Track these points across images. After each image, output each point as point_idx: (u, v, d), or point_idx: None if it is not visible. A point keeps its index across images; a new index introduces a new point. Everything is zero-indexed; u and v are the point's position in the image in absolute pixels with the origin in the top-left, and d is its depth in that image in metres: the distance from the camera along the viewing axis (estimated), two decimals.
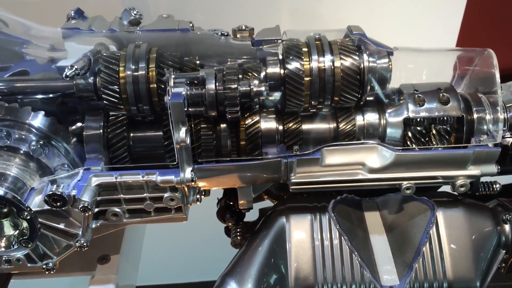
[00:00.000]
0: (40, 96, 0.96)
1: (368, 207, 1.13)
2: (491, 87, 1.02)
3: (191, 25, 1.01)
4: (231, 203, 1.17)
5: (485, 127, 0.99)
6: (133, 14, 1.04)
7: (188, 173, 0.93)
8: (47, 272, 0.98)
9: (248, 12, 1.82)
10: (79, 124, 1.00)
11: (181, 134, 0.88)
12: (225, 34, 1.01)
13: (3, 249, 0.90)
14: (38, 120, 0.94)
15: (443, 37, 1.84)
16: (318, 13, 1.85)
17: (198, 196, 1.01)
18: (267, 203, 1.21)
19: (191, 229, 1.15)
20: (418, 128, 1.02)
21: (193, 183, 0.94)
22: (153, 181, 0.94)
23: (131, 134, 1.00)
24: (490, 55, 1.00)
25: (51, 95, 0.96)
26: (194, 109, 0.91)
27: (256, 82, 0.91)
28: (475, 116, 1.00)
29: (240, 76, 0.93)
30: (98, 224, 0.99)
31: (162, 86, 0.94)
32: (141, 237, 1.41)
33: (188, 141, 0.89)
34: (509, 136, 1.01)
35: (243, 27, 1.05)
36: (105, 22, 1.03)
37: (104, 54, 0.95)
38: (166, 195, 0.96)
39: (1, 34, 1.05)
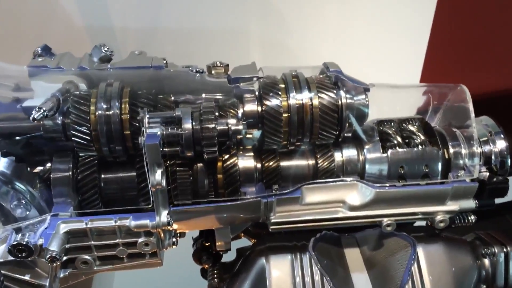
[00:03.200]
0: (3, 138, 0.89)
1: (347, 243, 1.11)
2: (464, 121, 1.03)
3: (164, 62, 0.98)
4: (208, 244, 1.12)
5: (461, 161, 1.00)
6: (103, 51, 1.00)
7: (164, 216, 0.89)
8: None
9: (219, 44, 1.81)
10: (47, 166, 0.94)
11: (157, 176, 0.84)
12: (200, 71, 0.98)
13: None
14: (1, 164, 0.89)
15: (407, 63, 1.89)
16: (287, 45, 1.87)
17: (174, 239, 0.96)
18: (244, 241, 1.17)
19: (164, 271, 1.09)
20: None
21: (169, 227, 0.89)
22: (126, 226, 0.89)
23: (102, 176, 0.95)
24: (463, 90, 1.02)
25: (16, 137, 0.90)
26: (169, 149, 0.88)
27: (233, 120, 0.89)
28: (451, 150, 1.00)
29: (217, 114, 0.91)
30: (67, 273, 0.93)
31: (136, 124, 0.90)
32: (111, 281, 1.34)
33: (164, 183, 0.85)
34: (484, 170, 1.02)
35: (218, 63, 1.03)
36: (74, 59, 0.99)
37: (74, 93, 0.91)
38: (140, 240, 0.91)
39: None
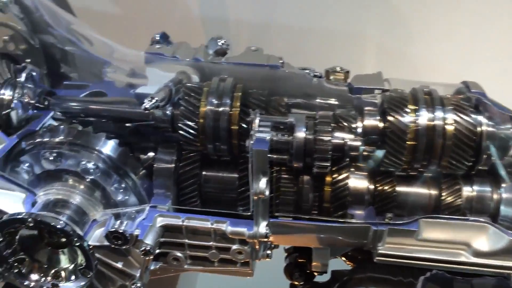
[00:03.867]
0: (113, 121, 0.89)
1: None
2: None
3: (281, 61, 0.91)
4: (302, 260, 1.04)
5: None
6: (219, 44, 0.96)
7: (262, 227, 0.82)
8: None
9: (331, 46, 1.71)
10: (150, 155, 0.92)
11: (261, 185, 0.77)
12: (319, 75, 0.90)
13: (61, 282, 0.83)
14: (108, 147, 0.88)
15: None
16: (407, 54, 1.70)
17: (268, 251, 0.89)
18: (338, 262, 1.07)
19: (249, 278, 1.03)
20: None
21: (266, 239, 0.82)
22: (222, 230, 0.83)
23: (203, 173, 0.91)
24: None
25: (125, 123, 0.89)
26: (277, 157, 0.81)
27: (351, 135, 0.79)
28: None
29: (333, 124, 0.82)
30: (158, 266, 0.90)
31: (245, 126, 0.84)
32: (194, 281, 1.31)
33: (267, 193, 0.78)
34: None
35: (338, 69, 0.94)
36: (189, 50, 0.96)
37: (186, 84, 0.87)
38: (234, 247, 0.86)
39: (84, 52, 1.01)
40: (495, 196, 0.86)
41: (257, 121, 0.79)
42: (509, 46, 1.55)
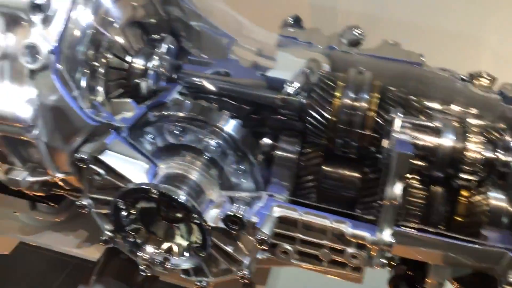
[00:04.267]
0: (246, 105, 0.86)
1: None
2: None
3: (422, 59, 0.83)
4: (411, 274, 0.97)
5: None
6: (355, 33, 0.90)
7: (387, 235, 0.76)
8: None
9: (442, 47, 1.58)
10: (269, 142, 0.89)
11: (396, 190, 0.71)
12: (465, 78, 0.81)
13: (174, 256, 0.82)
14: (231, 127, 0.86)
15: None
16: None
17: (384, 261, 0.83)
18: None
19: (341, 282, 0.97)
20: None
21: (388, 248, 0.76)
22: (341, 231, 0.79)
23: (325, 168, 0.86)
24: None
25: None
26: (416, 162, 0.74)
27: (503, 151, 0.70)
28: None
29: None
30: (264, 256, 0.87)
31: (381, 123, 0.78)
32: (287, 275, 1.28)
33: (400, 200, 0.72)
34: None
35: (484, 74, 0.84)
36: (323, 37, 0.91)
37: (321, 73, 0.82)
38: (350, 250, 0.81)
39: (211, 28, 0.99)
40: None
41: (398, 121, 0.72)
42: None
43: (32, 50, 0.72)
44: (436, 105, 0.84)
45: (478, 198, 0.77)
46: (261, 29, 0.99)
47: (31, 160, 0.84)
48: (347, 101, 0.79)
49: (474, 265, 0.80)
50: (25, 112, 0.74)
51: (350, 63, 0.88)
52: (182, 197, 0.76)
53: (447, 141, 0.72)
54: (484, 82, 0.87)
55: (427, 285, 0.88)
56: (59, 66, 0.73)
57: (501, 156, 0.71)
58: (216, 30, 1.02)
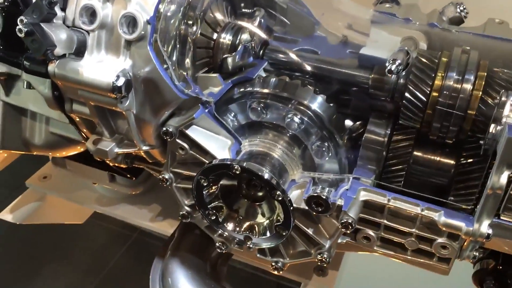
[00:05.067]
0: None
1: None
2: None
3: None
4: (501, 268, 0.91)
5: None
6: (458, 10, 0.84)
7: (484, 226, 0.71)
8: (275, 271, 0.88)
9: None
10: (358, 122, 0.85)
11: (502, 179, 0.66)
12: None
13: (255, 236, 0.81)
14: (317, 103, 0.83)
15: None
16: None
17: (476, 253, 0.79)
18: None
19: (415, 272, 0.92)
20: None
21: (486, 240, 0.71)
22: (432, 219, 0.74)
23: (416, 153, 0.82)
24: None
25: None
26: None
27: None
28: None
29: None
30: (345, 241, 0.84)
31: (484, 108, 0.73)
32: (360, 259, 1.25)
33: (504, 188, 0.67)
34: None
35: None
36: (421, 13, 0.85)
37: (420, 53, 0.78)
38: (440, 240, 0.76)
39: (297, 2, 0.95)
40: None
41: (510, 105, 0.67)
42: None
43: (131, 20, 0.72)
44: None
45: None
46: (353, 3, 0.94)
47: (119, 131, 0.85)
48: (450, 82, 0.74)
49: None
50: (119, 82, 0.74)
51: (450, 42, 0.82)
52: (265, 174, 0.75)
53: None
54: None
55: None
56: (155, 37, 0.73)
57: None
58: (302, 6, 0.98)
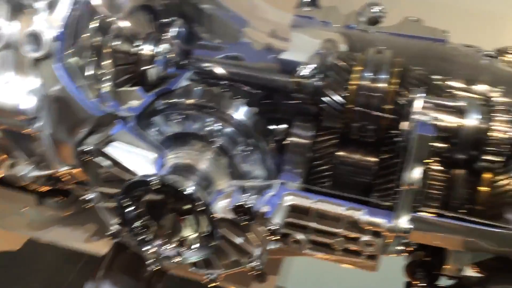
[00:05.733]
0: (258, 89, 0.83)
1: None
2: None
3: (447, 36, 0.79)
4: (428, 259, 0.94)
5: None
6: (374, 11, 0.86)
7: (404, 221, 0.73)
8: (210, 284, 0.87)
9: (468, 25, 1.52)
10: (282, 127, 0.86)
11: (415, 174, 0.68)
12: (493, 54, 0.77)
13: (185, 250, 0.80)
14: (242, 113, 0.82)
15: None
16: None
17: (400, 247, 0.80)
18: None
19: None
20: None
21: (406, 235, 0.73)
22: (355, 218, 0.76)
23: (339, 153, 0.83)
24: None
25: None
26: (437, 144, 0.70)
27: None
28: None
29: None
30: (276, 246, 0.84)
31: (401, 105, 0.75)
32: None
33: (419, 184, 0.69)
34: None
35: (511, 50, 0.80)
36: (340, 15, 0.87)
37: (338, 54, 0.79)
38: (364, 238, 0.78)
39: (223, 9, 0.95)
40: None
41: (419, 102, 0.69)
42: None
43: (35, 38, 0.69)
44: (460, 84, 0.79)
45: (501, 178, 0.73)
46: (276, 10, 0.94)
47: (35, 154, 0.81)
48: (365, 82, 0.75)
49: (496, 250, 0.77)
50: (28, 103, 0.71)
51: (369, 42, 0.84)
52: (188, 188, 0.74)
53: (471, 121, 0.68)
54: None
55: (446, 271, 0.85)
56: (64, 54, 0.70)
57: None
58: (227, 12, 0.98)
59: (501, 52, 0.80)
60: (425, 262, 0.95)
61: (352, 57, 0.78)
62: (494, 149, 0.67)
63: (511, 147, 0.68)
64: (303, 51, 0.79)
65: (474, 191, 0.75)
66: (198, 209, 0.74)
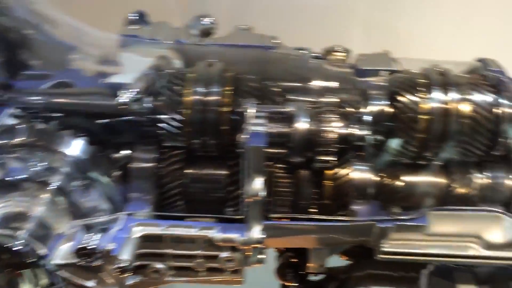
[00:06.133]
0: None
1: (462, 279, 0.90)
2: None
3: (274, 41, 0.80)
4: (296, 260, 0.95)
5: None
6: (204, 22, 0.84)
7: (256, 232, 0.72)
8: None
9: (315, 21, 1.60)
10: (124, 153, 0.80)
11: (256, 185, 0.67)
12: (319, 56, 0.79)
13: None
14: (75, 148, 0.75)
15: None
16: (396, 27, 1.61)
17: (262, 256, 0.80)
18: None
19: None
20: None
21: (260, 245, 0.73)
22: (209, 237, 0.73)
23: (188, 171, 0.80)
24: None
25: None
26: (274, 151, 0.70)
27: (357, 125, 0.70)
28: None
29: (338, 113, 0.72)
30: (136, 280, 0.79)
31: (237, 117, 0.74)
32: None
33: (262, 194, 0.68)
34: None
35: (338, 48, 0.84)
36: (170, 30, 0.84)
37: (168, 71, 0.76)
38: (223, 254, 0.76)
39: (47, 35, 0.87)
40: (509, 183, 0.79)
41: (251, 111, 0.68)
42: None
43: None
44: (291, 87, 0.81)
45: (342, 174, 0.76)
46: (103, 33, 0.88)
47: None
48: (198, 97, 0.73)
49: (350, 241, 0.80)
50: None
51: (203, 54, 0.82)
52: (15, 242, 0.66)
53: (301, 124, 0.69)
54: (340, 56, 0.86)
55: (309, 269, 0.86)
56: None
57: (356, 130, 0.70)
58: (53, 39, 0.90)
59: (328, 52, 0.83)
60: (293, 263, 0.96)
61: (183, 72, 0.75)
62: (325, 149, 0.69)
63: (342, 143, 0.70)
64: (134, 71, 0.75)
65: (320, 188, 0.77)
66: (31, 262, 0.66)
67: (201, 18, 0.85)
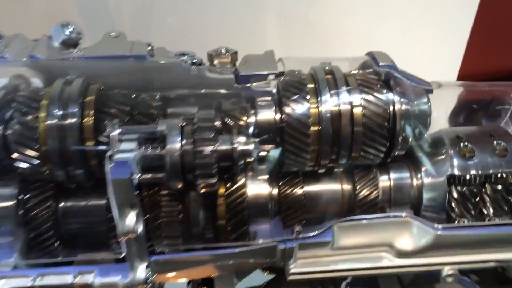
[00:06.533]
0: None
1: (387, 284, 0.85)
2: None
3: (150, 47, 0.71)
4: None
5: None
6: (67, 32, 0.73)
7: (141, 271, 0.63)
8: None
9: (230, 14, 1.51)
10: None
11: (129, 221, 0.58)
12: (198, 62, 0.71)
13: None
14: None
15: (448, 47, 1.58)
16: (309, 17, 1.57)
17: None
18: None
19: None
20: (466, 189, 0.74)
21: (148, 285, 0.64)
22: (89, 283, 0.63)
23: (61, 205, 0.69)
24: None
25: None
26: (150, 176, 0.61)
27: (242, 138, 0.62)
28: None
29: (219, 123, 0.64)
30: None
31: (104, 141, 0.64)
32: None
33: (139, 230, 0.59)
34: None
35: (223, 51, 0.75)
36: (26, 44, 0.72)
37: (19, 94, 0.64)
38: None
39: None
40: (416, 183, 0.75)
41: (115, 135, 0.58)
42: (420, 11, 1.48)
43: None
44: (171, 99, 0.72)
45: (235, 192, 0.68)
46: None
47: None
48: (53, 121, 0.62)
49: (255, 264, 0.73)
50: None
51: (68, 69, 0.71)
52: None
53: (174, 145, 0.60)
54: (225, 59, 0.78)
55: None
56: None
57: (240, 146, 0.62)
58: None
59: (212, 55, 0.75)
60: None
61: (37, 93, 0.64)
62: (203, 171, 0.60)
63: (224, 160, 0.62)
64: None
65: (212, 209, 0.69)
66: None
67: (64, 27, 0.73)
